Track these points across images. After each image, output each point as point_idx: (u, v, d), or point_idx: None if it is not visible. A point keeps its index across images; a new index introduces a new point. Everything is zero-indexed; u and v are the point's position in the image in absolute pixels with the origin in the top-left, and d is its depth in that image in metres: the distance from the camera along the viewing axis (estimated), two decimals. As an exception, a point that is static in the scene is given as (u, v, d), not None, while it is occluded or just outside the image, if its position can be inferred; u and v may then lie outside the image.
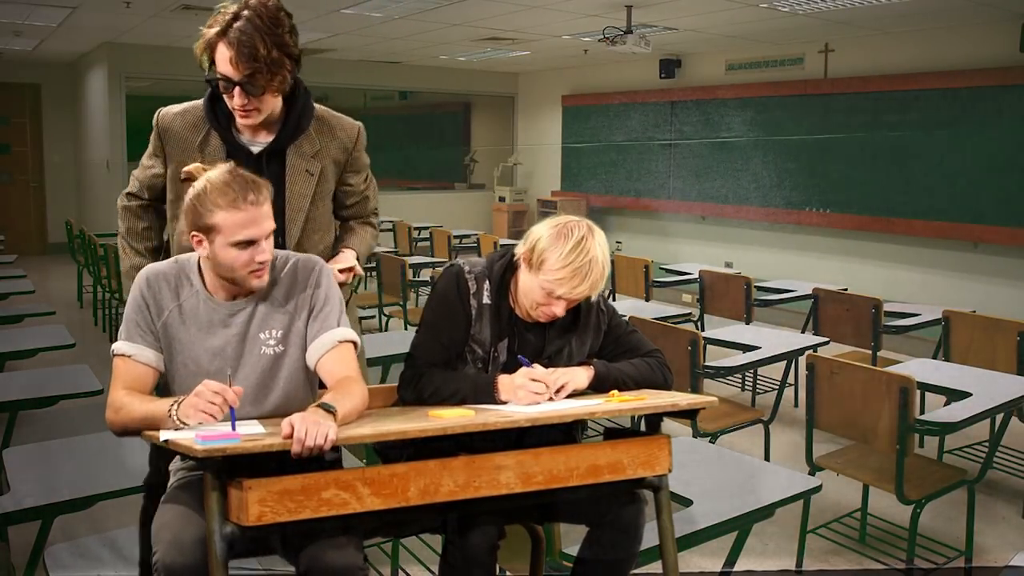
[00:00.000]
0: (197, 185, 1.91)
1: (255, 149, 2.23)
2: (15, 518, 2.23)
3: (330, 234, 2.39)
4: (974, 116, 7.29)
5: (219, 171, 1.91)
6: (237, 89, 2.06)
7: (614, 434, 2.10)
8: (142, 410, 1.84)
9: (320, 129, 2.28)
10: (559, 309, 2.09)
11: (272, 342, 1.98)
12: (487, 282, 2.16)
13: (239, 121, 2.17)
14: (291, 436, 1.65)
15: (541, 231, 2.11)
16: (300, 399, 1.99)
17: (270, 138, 2.23)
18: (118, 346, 1.95)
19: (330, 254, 2.35)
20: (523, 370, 2.06)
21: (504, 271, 2.17)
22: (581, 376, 2.12)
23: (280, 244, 2.16)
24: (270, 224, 1.90)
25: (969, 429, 3.31)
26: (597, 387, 2.16)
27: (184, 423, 1.75)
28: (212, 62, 2.09)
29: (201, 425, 1.74)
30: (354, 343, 2.02)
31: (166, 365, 1.97)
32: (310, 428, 1.65)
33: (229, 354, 1.96)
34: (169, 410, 1.79)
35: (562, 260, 2.04)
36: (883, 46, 7.98)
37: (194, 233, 1.90)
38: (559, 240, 2.07)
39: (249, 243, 1.88)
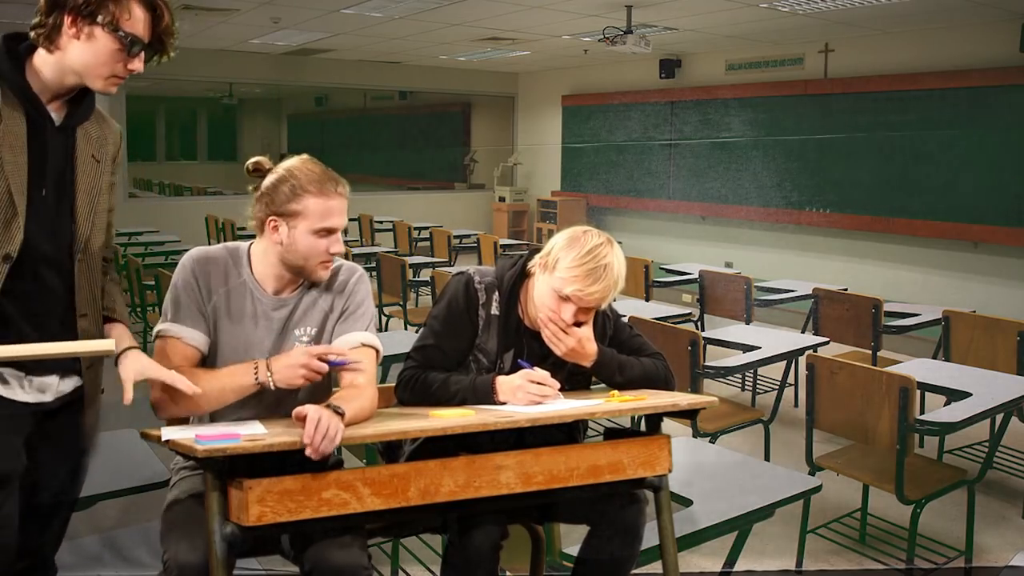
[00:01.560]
0: (280, 170, 1.97)
1: (57, 122, 1.81)
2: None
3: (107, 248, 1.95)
4: (974, 116, 7.28)
5: (302, 160, 2.00)
6: (142, 54, 1.83)
7: (614, 434, 2.10)
8: (216, 385, 1.88)
9: (96, 116, 1.92)
10: (567, 314, 2.09)
11: (305, 339, 2.02)
12: (496, 292, 2.16)
13: (104, 87, 1.80)
14: (303, 420, 1.68)
15: (560, 238, 2.14)
16: (321, 397, 2.01)
17: (62, 112, 1.82)
18: (166, 328, 1.96)
19: (98, 281, 1.90)
20: (523, 372, 2.06)
21: (515, 281, 2.17)
22: (586, 356, 2.14)
23: (70, 236, 1.80)
24: (346, 219, 1.97)
25: (969, 429, 3.31)
26: (599, 369, 2.17)
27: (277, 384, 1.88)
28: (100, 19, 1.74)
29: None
30: (376, 351, 2.05)
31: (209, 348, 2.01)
32: (320, 427, 1.67)
33: (267, 347, 2.00)
34: (255, 376, 1.87)
35: (576, 260, 2.06)
36: (883, 46, 7.98)
37: (273, 218, 1.95)
38: (575, 243, 2.10)
39: (330, 232, 1.96)
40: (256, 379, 1.87)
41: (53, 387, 1.81)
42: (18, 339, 1.71)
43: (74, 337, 1.81)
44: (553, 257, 2.09)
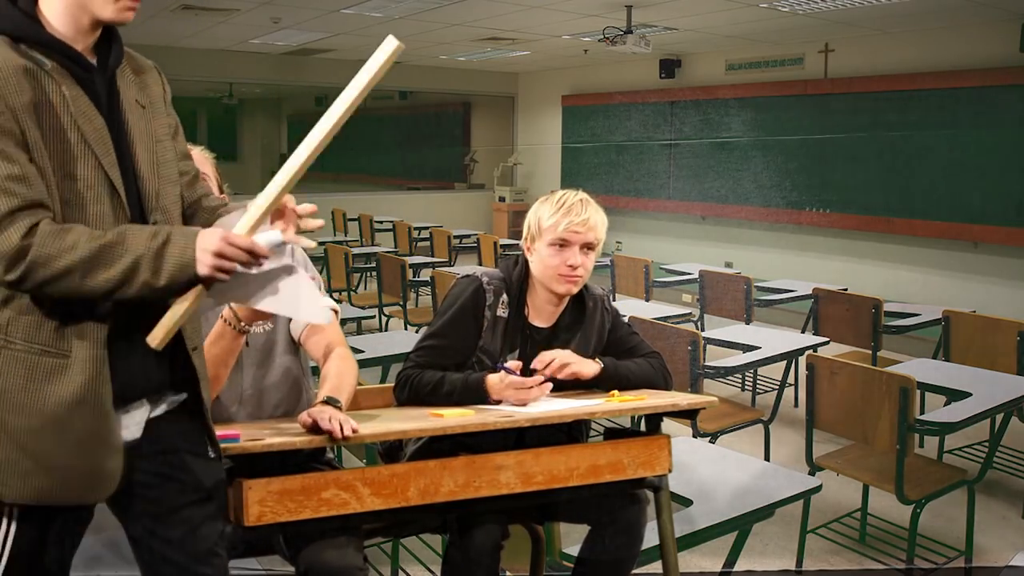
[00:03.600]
0: None
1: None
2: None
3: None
4: (974, 116, 7.28)
5: None
6: None
7: (614, 434, 2.10)
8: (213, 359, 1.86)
9: (127, 57, 1.62)
10: (574, 258, 2.12)
11: (260, 320, 2.00)
12: (504, 295, 2.17)
13: (117, 13, 1.51)
14: (313, 428, 1.66)
15: (531, 211, 2.23)
16: (295, 372, 2.06)
17: (93, 60, 1.53)
18: None
19: None
20: (500, 375, 2.05)
21: (522, 279, 2.19)
22: (589, 366, 2.13)
23: (137, 195, 1.52)
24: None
25: (969, 429, 3.31)
26: (602, 383, 2.17)
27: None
28: None
29: None
30: (335, 311, 2.04)
31: None
32: (334, 419, 1.66)
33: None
34: (231, 327, 1.88)
35: (555, 206, 2.16)
36: (883, 46, 7.97)
37: None
38: (545, 200, 2.20)
39: None
40: (234, 328, 1.89)
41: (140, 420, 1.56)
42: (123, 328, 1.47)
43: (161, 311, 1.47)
44: (535, 224, 2.18)
